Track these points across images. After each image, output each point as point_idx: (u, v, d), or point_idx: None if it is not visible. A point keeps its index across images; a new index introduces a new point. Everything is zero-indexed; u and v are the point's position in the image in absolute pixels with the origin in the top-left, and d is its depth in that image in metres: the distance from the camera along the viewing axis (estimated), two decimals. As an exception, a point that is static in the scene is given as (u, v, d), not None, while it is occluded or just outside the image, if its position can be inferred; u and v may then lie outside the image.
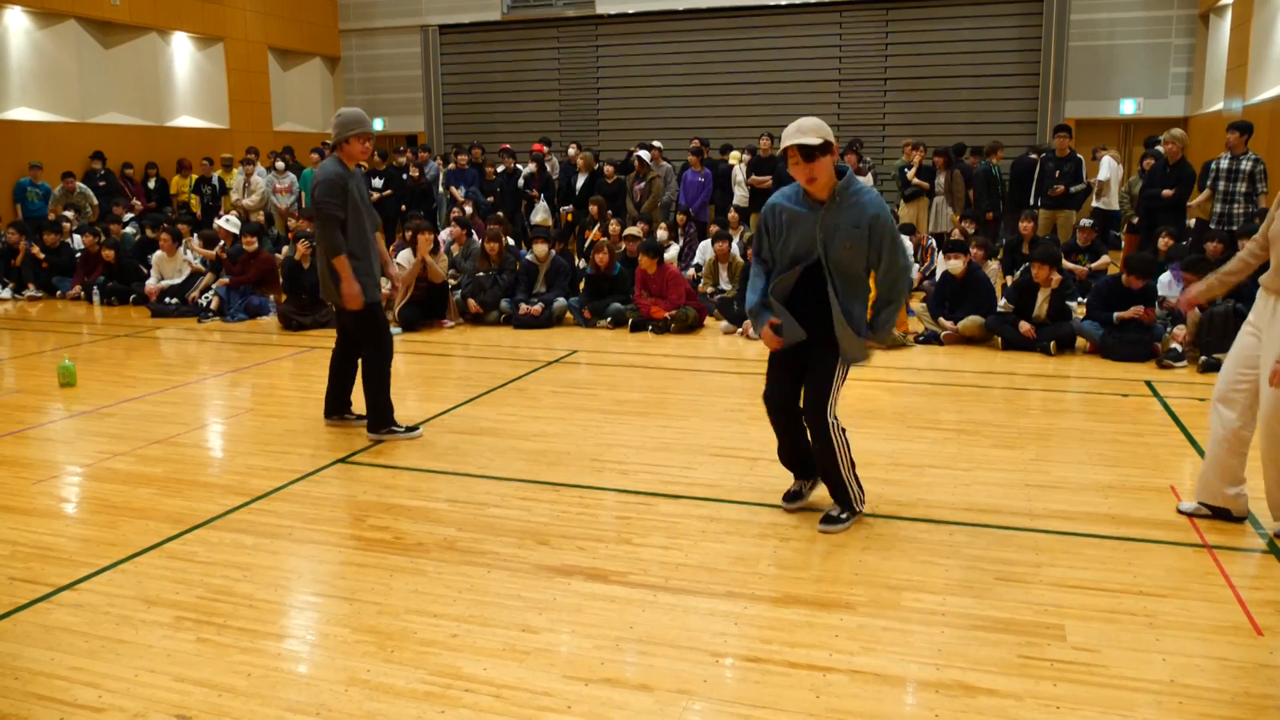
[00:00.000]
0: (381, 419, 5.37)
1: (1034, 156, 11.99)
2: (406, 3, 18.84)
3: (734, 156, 12.99)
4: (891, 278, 3.82)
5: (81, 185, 13.42)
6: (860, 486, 4.02)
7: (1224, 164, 9.22)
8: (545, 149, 13.59)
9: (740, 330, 8.35)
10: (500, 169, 13.56)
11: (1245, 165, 9.04)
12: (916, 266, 10.74)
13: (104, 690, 2.81)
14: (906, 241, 10.39)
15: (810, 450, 4.04)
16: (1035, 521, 4.02)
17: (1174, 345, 7.09)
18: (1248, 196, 9.10)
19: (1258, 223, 8.76)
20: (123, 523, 4.13)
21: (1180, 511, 4.10)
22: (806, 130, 3.64)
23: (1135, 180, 11.61)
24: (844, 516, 3.98)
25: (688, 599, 3.35)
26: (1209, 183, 9.39)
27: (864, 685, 2.78)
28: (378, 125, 19.61)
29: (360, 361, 5.45)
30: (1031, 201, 11.52)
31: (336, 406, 5.66)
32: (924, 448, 5.09)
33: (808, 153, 3.64)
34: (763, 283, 3.96)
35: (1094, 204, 12.34)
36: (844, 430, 3.93)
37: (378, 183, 13.93)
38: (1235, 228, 8.87)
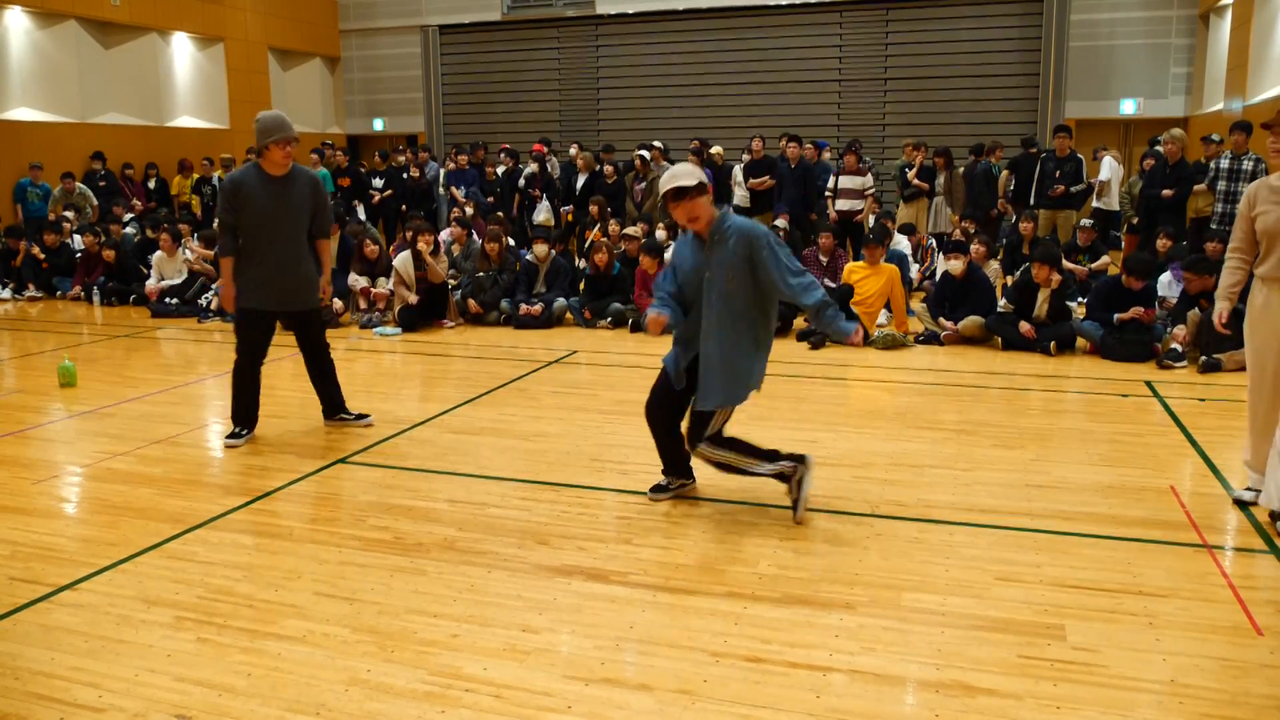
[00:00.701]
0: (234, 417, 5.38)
1: (1031, 151, 11.99)
2: (406, 3, 18.84)
3: (716, 152, 12.97)
4: (791, 288, 3.86)
5: (81, 186, 13.41)
6: (776, 461, 4.08)
7: (1225, 164, 9.22)
8: (545, 149, 13.59)
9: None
10: (501, 169, 13.56)
11: (1247, 165, 9.05)
12: (916, 266, 10.74)
13: (104, 690, 2.81)
14: (905, 242, 10.51)
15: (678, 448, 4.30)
16: (1035, 521, 4.02)
17: (1174, 345, 7.09)
18: None
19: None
20: (123, 523, 4.13)
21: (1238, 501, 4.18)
22: (679, 175, 3.88)
23: (1135, 180, 11.61)
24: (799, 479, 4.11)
25: (688, 599, 3.35)
26: (1208, 181, 9.41)
27: (864, 685, 2.78)
28: (378, 125, 19.63)
29: (330, 360, 5.55)
30: (1031, 201, 11.52)
31: (330, 409, 5.65)
32: (924, 448, 5.09)
33: (679, 193, 3.84)
34: (666, 291, 4.08)
35: (1094, 204, 12.34)
36: (725, 441, 4.09)
37: (378, 183, 13.94)
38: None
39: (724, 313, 3.91)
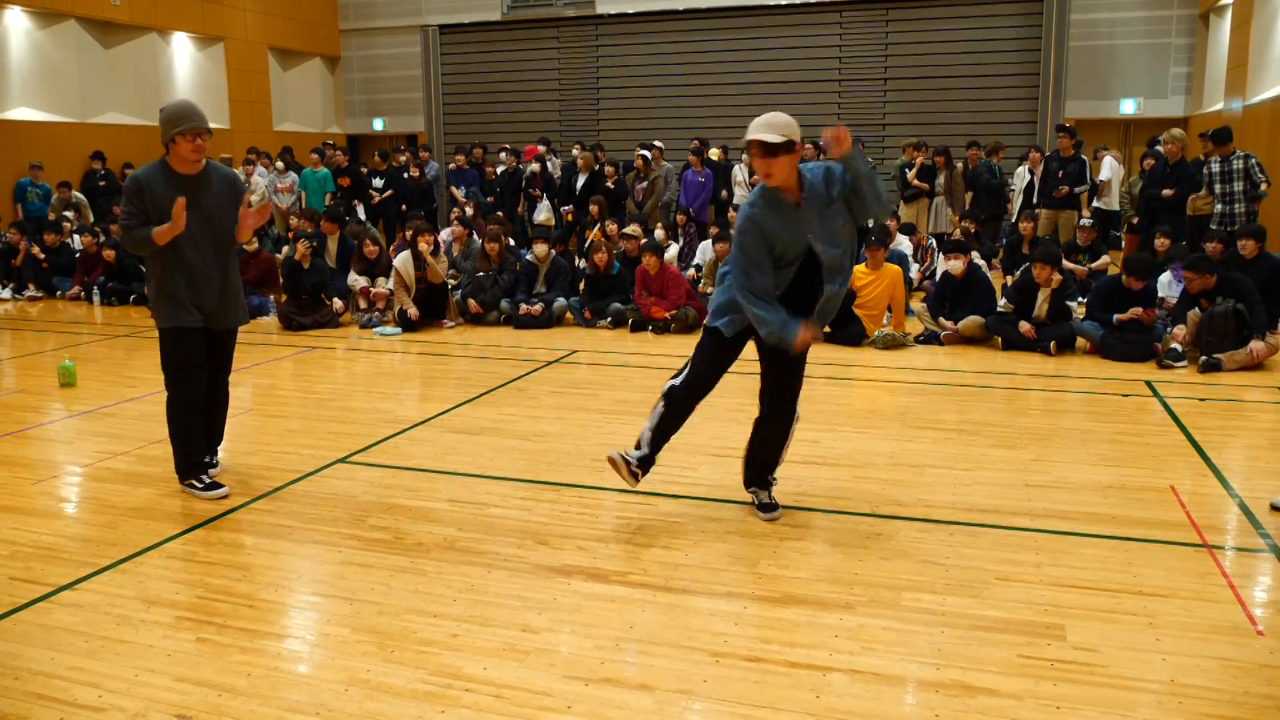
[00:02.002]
0: (179, 468, 4.47)
1: (992, 160, 12.07)
2: (406, 3, 18.84)
3: (714, 152, 12.98)
4: (877, 188, 3.70)
5: (78, 194, 13.43)
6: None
7: (1216, 167, 9.25)
8: (543, 149, 13.60)
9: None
10: (502, 169, 13.56)
11: (1236, 164, 9.08)
12: (916, 266, 10.74)
13: (104, 690, 2.81)
14: (905, 242, 10.52)
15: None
16: (1035, 521, 4.02)
17: (1174, 345, 7.09)
18: (1246, 194, 9.12)
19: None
20: (123, 523, 4.13)
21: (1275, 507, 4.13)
22: (774, 126, 3.60)
23: (1135, 180, 11.61)
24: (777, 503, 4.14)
25: (688, 599, 3.35)
26: (1205, 185, 9.42)
27: (864, 685, 2.78)
28: (378, 125, 19.63)
29: (219, 390, 4.61)
30: (1034, 201, 11.53)
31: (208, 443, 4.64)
32: (924, 448, 5.09)
33: (766, 149, 3.59)
34: (767, 300, 3.80)
35: (1094, 204, 12.34)
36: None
37: (378, 182, 13.94)
38: (1236, 227, 8.88)
39: (836, 257, 3.75)
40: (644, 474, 4.00)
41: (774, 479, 4.21)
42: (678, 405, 4.01)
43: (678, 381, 4.02)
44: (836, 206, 3.71)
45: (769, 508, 4.10)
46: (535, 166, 13.06)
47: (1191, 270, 7.20)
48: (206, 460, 4.57)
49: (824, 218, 3.70)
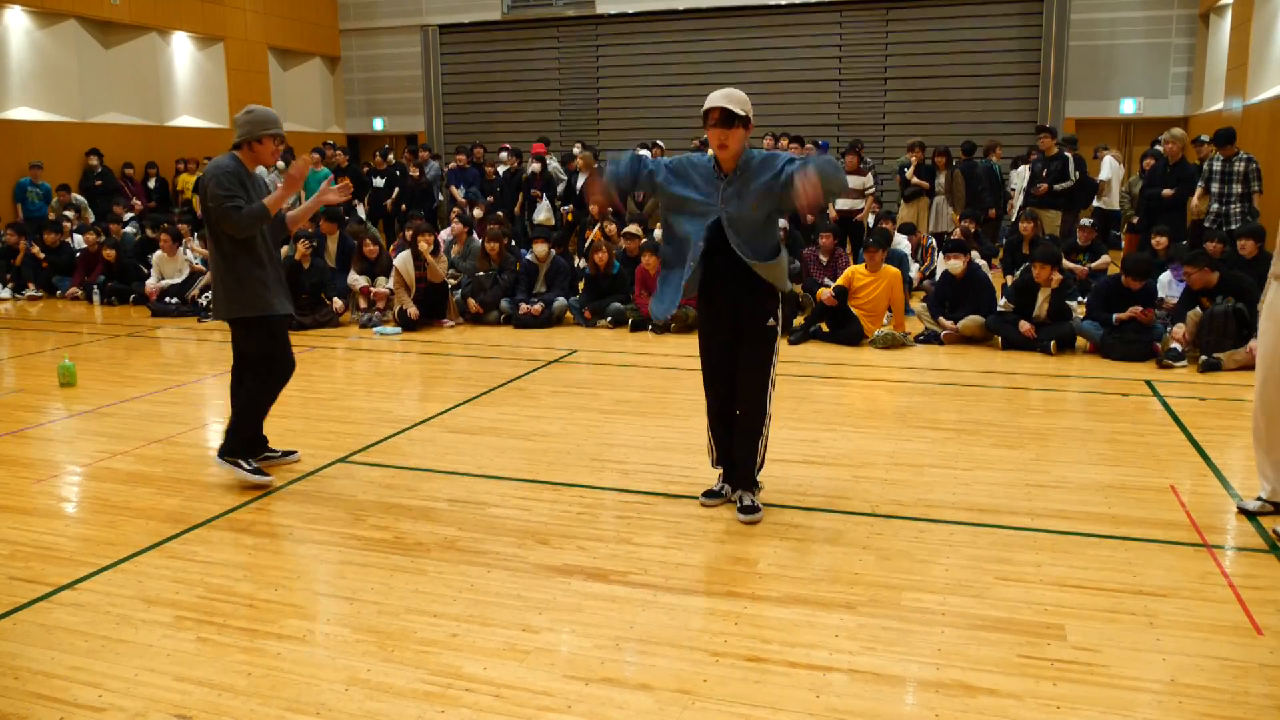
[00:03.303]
0: (233, 447, 4.61)
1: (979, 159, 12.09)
2: (406, 3, 18.84)
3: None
4: (817, 164, 3.69)
5: (77, 196, 13.44)
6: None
7: (1217, 165, 9.25)
8: (545, 148, 13.59)
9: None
10: (505, 169, 13.55)
11: (1238, 166, 9.09)
12: (916, 266, 10.74)
13: (104, 690, 2.81)
14: (905, 242, 10.52)
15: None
16: (1035, 521, 4.02)
17: (1174, 345, 7.09)
18: (1243, 196, 9.13)
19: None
20: (123, 522, 4.13)
21: (1242, 510, 4.09)
22: (734, 99, 3.78)
23: (1135, 180, 11.61)
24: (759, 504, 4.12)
25: (688, 599, 3.35)
26: (1201, 183, 9.42)
27: (864, 685, 2.78)
28: (378, 125, 19.65)
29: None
30: (1021, 202, 11.54)
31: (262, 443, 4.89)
32: (924, 448, 5.09)
33: (727, 118, 3.75)
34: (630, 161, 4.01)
35: (1094, 203, 12.34)
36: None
37: (379, 182, 13.94)
38: (1234, 227, 8.89)
39: (742, 230, 3.85)
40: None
41: (760, 484, 4.20)
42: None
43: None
44: (760, 187, 3.82)
45: (749, 510, 4.06)
46: (535, 166, 13.06)
47: (1192, 265, 7.20)
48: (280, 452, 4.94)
49: (742, 194, 3.85)
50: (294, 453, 5.00)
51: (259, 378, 4.65)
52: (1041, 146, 11.15)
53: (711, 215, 3.87)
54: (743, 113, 3.76)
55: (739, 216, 3.86)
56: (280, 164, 14.24)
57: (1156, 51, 15.33)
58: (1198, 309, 7.17)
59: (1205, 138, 10.42)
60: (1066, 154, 11.16)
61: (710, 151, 3.93)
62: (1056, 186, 11.00)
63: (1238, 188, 9.12)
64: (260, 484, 4.56)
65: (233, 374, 4.74)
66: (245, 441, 4.66)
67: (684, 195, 3.93)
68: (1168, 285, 7.94)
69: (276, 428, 5.61)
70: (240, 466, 4.58)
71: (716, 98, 3.77)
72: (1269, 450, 4.07)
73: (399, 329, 8.78)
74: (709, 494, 4.27)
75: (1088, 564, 3.58)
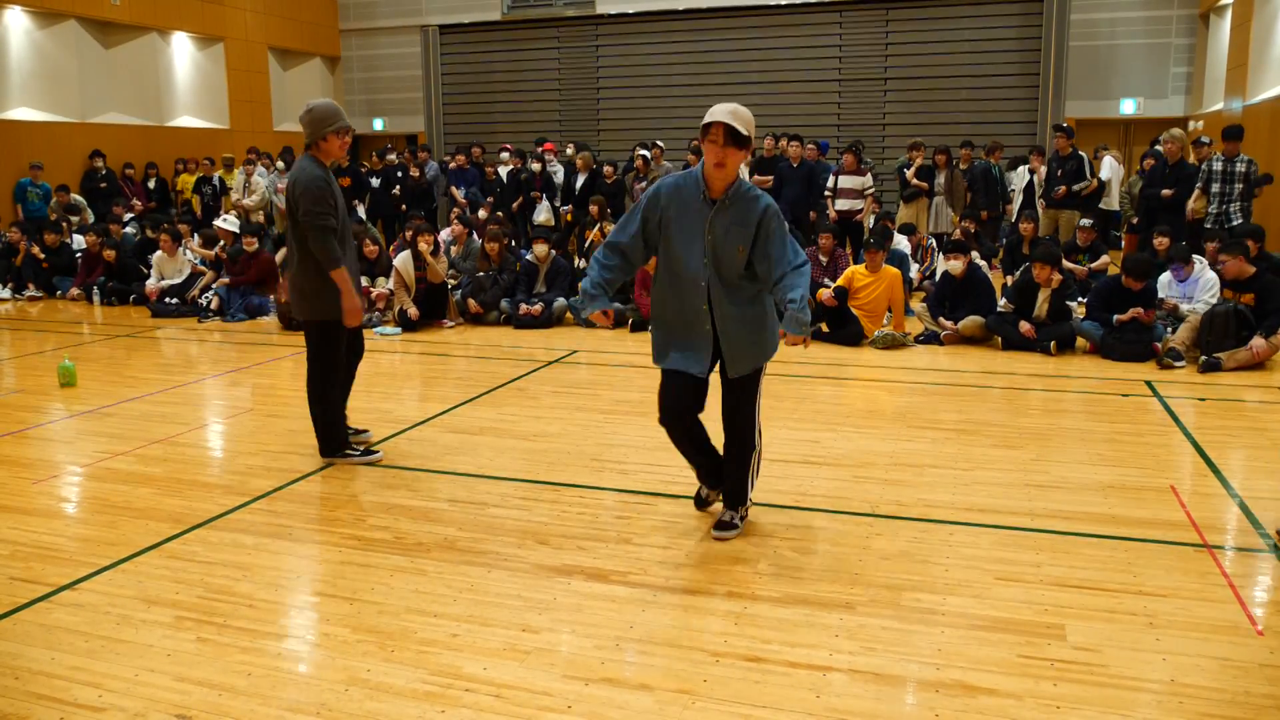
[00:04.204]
0: (333, 443, 4.90)
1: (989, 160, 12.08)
2: (406, 3, 18.84)
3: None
4: (790, 268, 3.52)
5: (76, 197, 13.44)
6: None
7: (1218, 166, 9.25)
8: (554, 148, 13.61)
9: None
10: (508, 169, 13.56)
11: (1240, 167, 9.10)
12: (916, 266, 10.74)
13: (104, 690, 2.81)
14: (905, 242, 10.52)
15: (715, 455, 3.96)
16: (1035, 521, 4.02)
17: (1173, 345, 7.08)
18: (1243, 197, 9.14)
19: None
20: (123, 523, 4.13)
21: None
22: (741, 118, 3.48)
23: (1135, 180, 11.61)
24: (738, 524, 3.89)
25: (688, 599, 3.35)
26: (1201, 183, 9.43)
27: (864, 685, 2.78)
28: (378, 125, 19.65)
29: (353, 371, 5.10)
30: (1035, 201, 11.52)
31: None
32: (924, 448, 5.09)
33: (732, 136, 3.45)
34: (611, 269, 3.70)
35: (1097, 204, 12.33)
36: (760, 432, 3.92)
37: (376, 182, 13.95)
38: (1236, 224, 8.90)
39: (731, 280, 3.59)
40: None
41: (743, 509, 3.93)
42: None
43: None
44: (744, 233, 3.55)
45: (724, 526, 3.86)
46: (535, 166, 13.07)
47: (1228, 254, 7.16)
48: (354, 431, 5.14)
49: (729, 230, 3.56)
50: (365, 431, 5.30)
51: (324, 377, 4.80)
52: (1056, 146, 11.13)
53: (700, 240, 3.59)
54: (746, 133, 3.47)
55: (724, 253, 3.58)
56: (280, 164, 14.27)
57: (1156, 51, 15.33)
58: (1198, 309, 7.18)
59: (1206, 139, 10.42)
60: (1082, 154, 11.16)
61: (697, 168, 3.62)
62: (1074, 187, 10.99)
63: (1237, 188, 9.13)
64: (373, 460, 4.88)
65: (309, 375, 4.84)
66: (341, 433, 4.91)
67: (681, 210, 3.62)
68: (1168, 285, 7.94)
69: (277, 428, 5.62)
70: (350, 456, 4.88)
71: (721, 112, 3.45)
72: None
73: (399, 329, 8.78)
74: (699, 501, 4.15)
75: (1088, 564, 3.58)
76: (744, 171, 12.00)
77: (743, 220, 3.56)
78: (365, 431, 5.31)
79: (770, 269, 3.55)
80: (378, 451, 5.00)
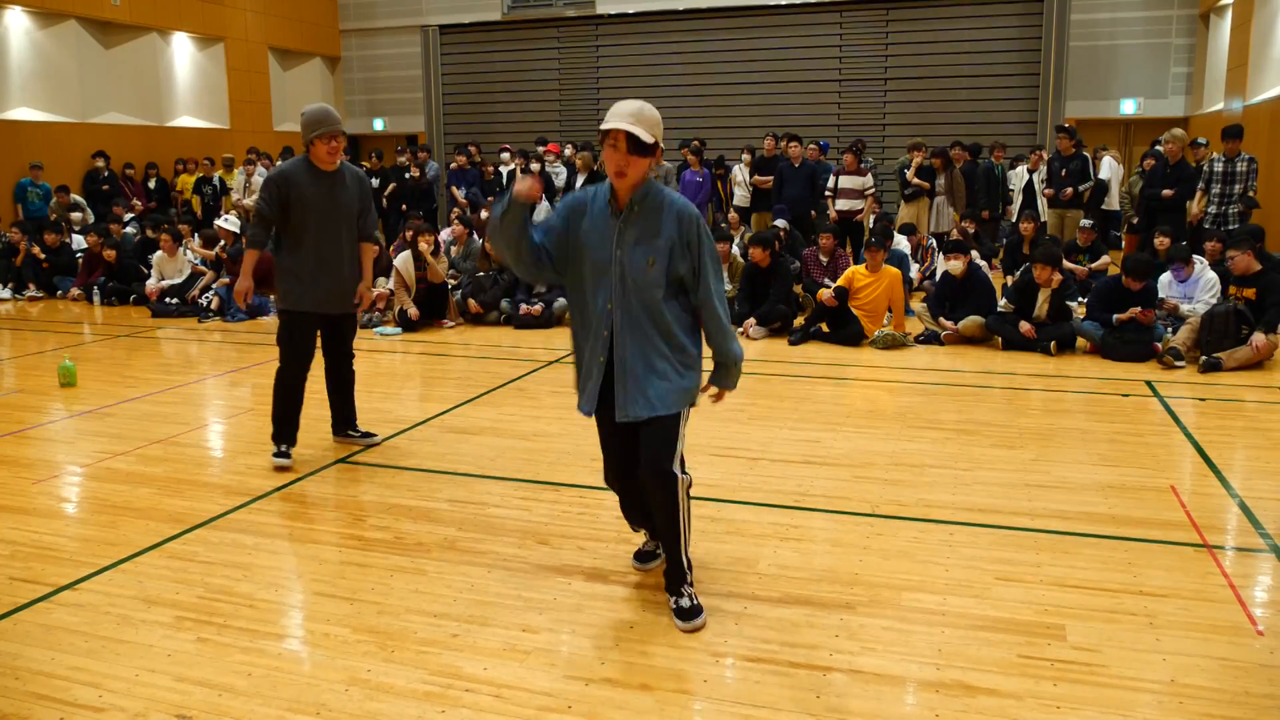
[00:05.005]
0: (274, 433, 4.94)
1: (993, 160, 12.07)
2: (406, 3, 18.85)
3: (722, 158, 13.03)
4: (714, 300, 3.05)
5: (76, 198, 13.44)
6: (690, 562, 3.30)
7: (1219, 166, 9.25)
8: (559, 149, 13.61)
9: (740, 330, 8.36)
10: (509, 169, 13.56)
11: (1241, 167, 9.11)
12: (916, 266, 10.74)
13: (104, 690, 2.81)
14: (905, 242, 10.52)
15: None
16: (1035, 521, 4.02)
17: (1174, 345, 7.08)
18: (1243, 197, 9.15)
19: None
20: (123, 523, 4.13)
21: None
22: (645, 121, 2.94)
23: (1135, 180, 11.61)
24: (696, 604, 3.18)
25: (688, 599, 3.34)
26: (1201, 184, 9.43)
27: (864, 685, 2.78)
28: (378, 125, 19.65)
29: (351, 371, 5.21)
30: (1035, 201, 11.51)
31: (340, 424, 5.28)
32: (924, 448, 5.09)
33: (636, 145, 2.93)
34: (537, 237, 3.07)
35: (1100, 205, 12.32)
36: (689, 486, 3.21)
37: (375, 182, 13.95)
38: (1234, 227, 8.90)
39: (640, 307, 3.02)
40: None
41: (687, 586, 3.20)
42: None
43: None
44: (662, 242, 3.01)
45: (686, 614, 3.14)
46: (535, 167, 13.07)
47: (1236, 249, 7.17)
48: (353, 433, 5.27)
49: (638, 241, 3.02)
50: (374, 435, 5.35)
51: (293, 365, 4.98)
52: (1060, 147, 11.13)
53: (609, 269, 3.03)
54: (651, 140, 2.93)
55: (634, 271, 3.00)
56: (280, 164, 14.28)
57: (1156, 52, 15.33)
58: (1198, 309, 7.18)
59: (1203, 140, 10.42)
60: (1085, 154, 11.16)
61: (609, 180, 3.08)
62: (1080, 188, 10.99)
63: (1238, 189, 9.14)
64: (281, 467, 4.88)
65: (346, 365, 5.18)
66: (281, 430, 4.95)
67: (587, 232, 3.07)
68: (1168, 285, 7.94)
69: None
70: (275, 455, 4.92)
71: (621, 116, 2.93)
72: None
73: (399, 329, 8.78)
74: (640, 556, 3.60)
75: (1088, 564, 3.58)
76: (744, 172, 12.16)
77: (654, 230, 3.02)
78: (373, 435, 5.31)
79: (696, 291, 3.07)
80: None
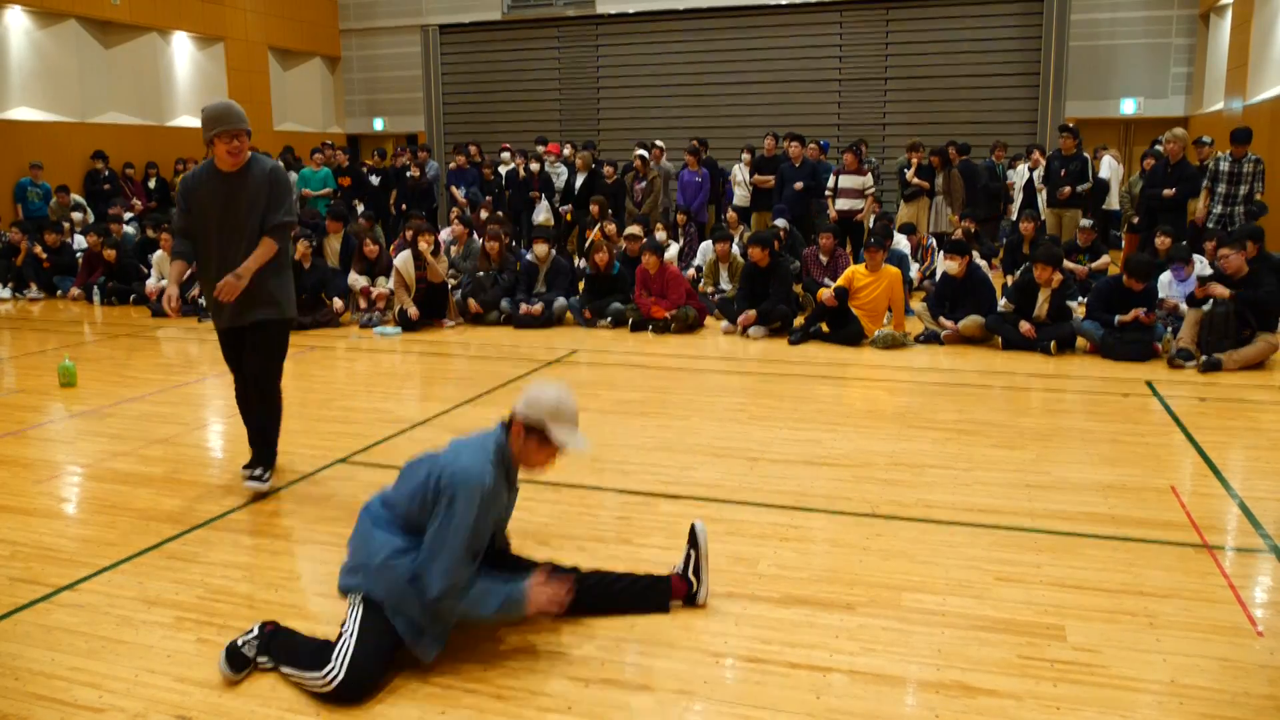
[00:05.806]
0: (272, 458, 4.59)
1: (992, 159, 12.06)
2: (406, 3, 18.85)
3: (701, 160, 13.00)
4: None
5: (76, 198, 13.45)
6: None
7: (1224, 166, 9.24)
8: (541, 149, 13.59)
9: (738, 327, 8.36)
10: (510, 168, 13.56)
11: (1246, 167, 9.10)
12: (916, 266, 10.74)
13: (104, 690, 2.81)
14: (905, 242, 10.52)
15: None
16: (1035, 522, 4.02)
17: (1183, 345, 7.04)
18: (1248, 198, 9.14)
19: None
20: (123, 523, 4.13)
21: None
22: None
23: (1136, 180, 11.61)
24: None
25: (688, 599, 3.34)
26: (1206, 183, 9.42)
27: (864, 685, 2.78)
28: (378, 125, 19.65)
29: (253, 392, 4.70)
30: (1035, 200, 11.51)
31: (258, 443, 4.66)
32: (924, 448, 5.09)
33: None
34: None
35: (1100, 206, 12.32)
36: None
37: (375, 180, 13.95)
38: (1235, 227, 8.89)
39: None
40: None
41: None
42: None
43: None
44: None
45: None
46: (535, 166, 13.07)
47: (1229, 249, 7.14)
48: (245, 469, 4.52)
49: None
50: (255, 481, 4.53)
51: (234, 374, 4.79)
52: (1061, 147, 11.12)
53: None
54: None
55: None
56: (279, 164, 14.28)
57: (1156, 51, 15.33)
58: (1199, 309, 7.17)
59: (1208, 139, 10.41)
60: (1085, 154, 11.15)
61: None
62: (1079, 188, 10.97)
63: (1242, 189, 9.14)
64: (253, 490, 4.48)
65: (262, 384, 4.64)
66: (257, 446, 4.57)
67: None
68: (1168, 285, 7.94)
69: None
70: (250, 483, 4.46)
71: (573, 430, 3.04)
72: None
73: (399, 329, 8.78)
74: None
75: (1088, 564, 3.58)
76: (744, 172, 12.15)
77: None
78: (261, 481, 4.50)
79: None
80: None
